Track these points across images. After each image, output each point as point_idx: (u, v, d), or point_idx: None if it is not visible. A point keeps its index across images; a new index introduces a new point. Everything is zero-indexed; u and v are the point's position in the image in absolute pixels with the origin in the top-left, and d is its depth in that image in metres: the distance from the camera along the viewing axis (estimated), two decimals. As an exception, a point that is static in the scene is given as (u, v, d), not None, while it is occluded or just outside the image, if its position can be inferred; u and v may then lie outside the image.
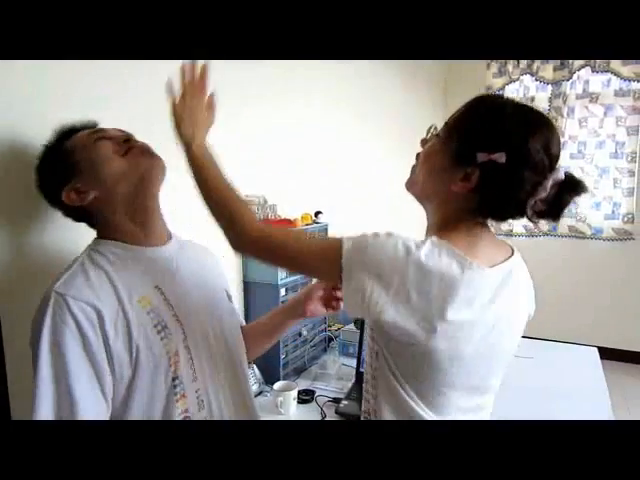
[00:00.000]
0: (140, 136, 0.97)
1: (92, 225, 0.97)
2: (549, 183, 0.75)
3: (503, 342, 0.82)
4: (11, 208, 1.04)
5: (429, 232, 0.85)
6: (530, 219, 0.79)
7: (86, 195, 0.91)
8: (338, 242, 0.76)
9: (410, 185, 0.89)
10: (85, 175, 0.90)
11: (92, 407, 0.80)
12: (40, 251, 1.11)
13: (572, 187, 0.78)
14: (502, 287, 0.79)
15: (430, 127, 0.89)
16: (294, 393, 1.53)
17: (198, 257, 1.08)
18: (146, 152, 0.94)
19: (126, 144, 0.93)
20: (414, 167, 0.89)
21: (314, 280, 1.98)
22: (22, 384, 1.03)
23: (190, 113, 0.88)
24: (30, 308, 1.08)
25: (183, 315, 0.93)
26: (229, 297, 1.11)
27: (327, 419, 1.48)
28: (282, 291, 1.77)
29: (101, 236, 0.95)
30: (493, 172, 0.75)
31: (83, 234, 0.99)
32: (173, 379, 0.88)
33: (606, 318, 3.74)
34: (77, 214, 0.96)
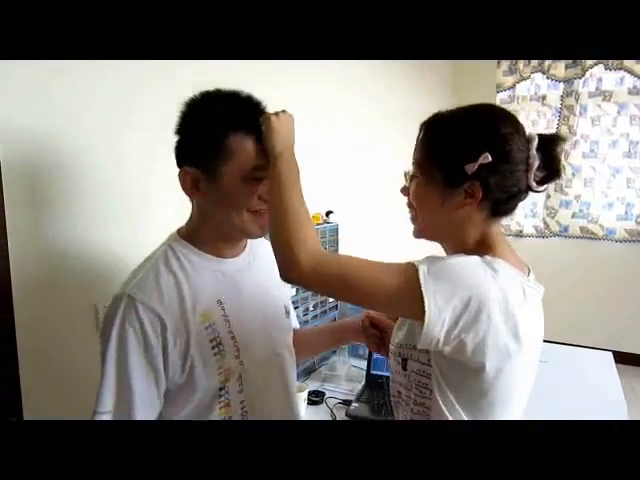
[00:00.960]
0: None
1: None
2: (534, 152, 0.77)
3: (535, 357, 0.82)
4: (33, 214, 1.04)
5: None
6: (536, 191, 0.80)
7: (198, 194, 0.89)
8: (412, 267, 0.72)
9: (419, 234, 0.87)
10: (213, 186, 0.87)
11: (147, 404, 0.84)
12: (59, 256, 1.10)
13: (551, 141, 0.79)
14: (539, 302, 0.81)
15: (405, 174, 0.88)
16: (304, 394, 1.51)
17: (267, 263, 1.04)
18: (264, 226, 0.91)
19: (262, 203, 0.88)
20: (412, 217, 0.87)
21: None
22: (33, 385, 1.03)
23: (285, 127, 0.86)
24: (44, 315, 1.08)
25: (239, 332, 0.93)
26: (287, 312, 1.11)
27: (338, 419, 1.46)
28: (293, 291, 1.76)
29: (183, 233, 0.95)
30: (489, 174, 0.76)
31: (102, 240, 0.99)
32: (220, 389, 0.91)
33: (619, 321, 3.69)
34: None
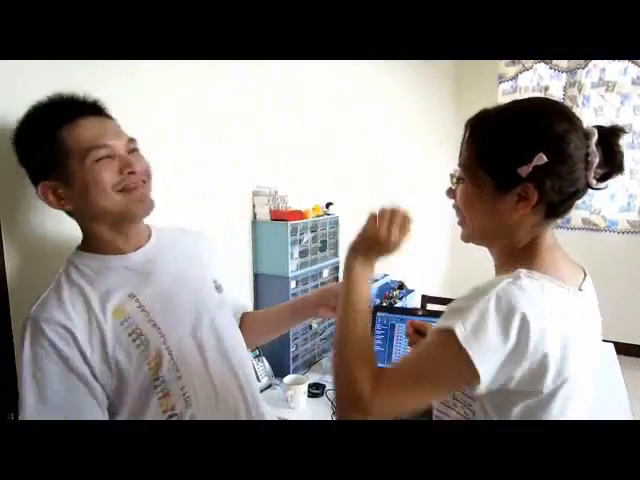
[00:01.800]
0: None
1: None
2: (594, 147, 0.71)
3: (592, 366, 0.78)
4: (26, 208, 1.03)
5: (502, 263, 0.80)
6: (597, 188, 0.75)
7: (65, 203, 0.88)
8: (450, 335, 0.66)
9: (468, 238, 0.83)
10: (71, 187, 0.86)
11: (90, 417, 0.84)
12: (54, 251, 1.09)
13: (612, 134, 0.73)
14: (590, 309, 0.77)
15: (451, 176, 0.82)
16: (304, 387, 1.51)
17: (181, 249, 1.05)
18: (143, 199, 0.90)
19: (128, 177, 0.87)
20: (460, 221, 0.83)
21: (324, 273, 1.97)
22: None
23: (387, 242, 0.80)
24: None
25: (160, 318, 0.92)
26: (217, 287, 1.08)
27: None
28: (292, 283, 1.76)
29: (80, 246, 0.95)
30: (545, 175, 0.70)
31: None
32: (155, 380, 0.89)
33: (621, 313, 3.67)
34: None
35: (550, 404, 0.70)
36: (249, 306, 1.18)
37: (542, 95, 3.74)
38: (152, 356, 0.89)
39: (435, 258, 3.67)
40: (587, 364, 0.74)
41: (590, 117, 3.66)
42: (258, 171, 1.83)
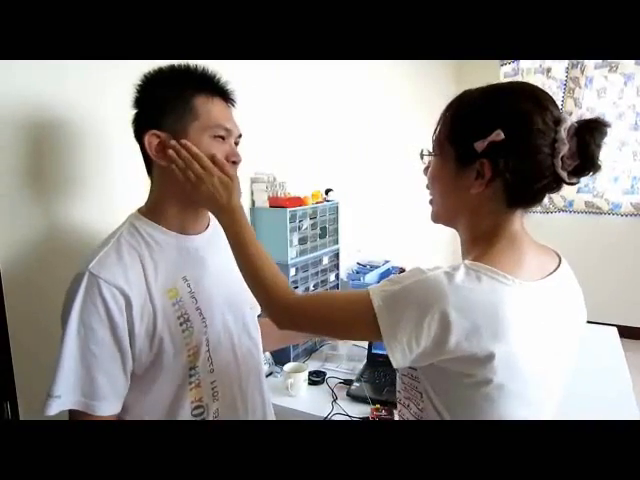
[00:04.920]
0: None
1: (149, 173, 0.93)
2: (563, 134, 0.68)
3: (560, 358, 0.77)
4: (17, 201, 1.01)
5: (466, 250, 0.79)
6: (569, 182, 0.72)
7: (163, 156, 0.87)
8: (367, 298, 0.71)
9: (436, 217, 0.83)
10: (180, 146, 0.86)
11: (114, 386, 0.83)
12: (50, 246, 1.08)
13: (591, 127, 0.69)
14: (555, 299, 0.74)
15: (421, 152, 0.82)
16: (304, 375, 1.51)
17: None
18: (233, 182, 0.91)
19: (231, 165, 0.91)
20: (430, 200, 0.83)
21: (324, 260, 1.96)
22: (29, 384, 1.01)
23: (218, 182, 0.86)
24: (37, 308, 1.05)
25: (206, 308, 0.93)
26: None
27: (338, 400, 1.46)
28: (292, 270, 1.74)
29: (144, 212, 0.93)
30: (501, 152, 0.69)
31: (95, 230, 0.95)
32: (190, 369, 0.90)
33: (624, 296, 3.67)
34: (145, 160, 0.91)
35: (487, 388, 0.68)
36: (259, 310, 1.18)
37: (544, 77, 3.69)
38: (193, 344, 0.89)
39: (437, 243, 3.66)
40: (541, 353, 0.72)
41: (593, 99, 3.61)
42: (256, 157, 1.81)
